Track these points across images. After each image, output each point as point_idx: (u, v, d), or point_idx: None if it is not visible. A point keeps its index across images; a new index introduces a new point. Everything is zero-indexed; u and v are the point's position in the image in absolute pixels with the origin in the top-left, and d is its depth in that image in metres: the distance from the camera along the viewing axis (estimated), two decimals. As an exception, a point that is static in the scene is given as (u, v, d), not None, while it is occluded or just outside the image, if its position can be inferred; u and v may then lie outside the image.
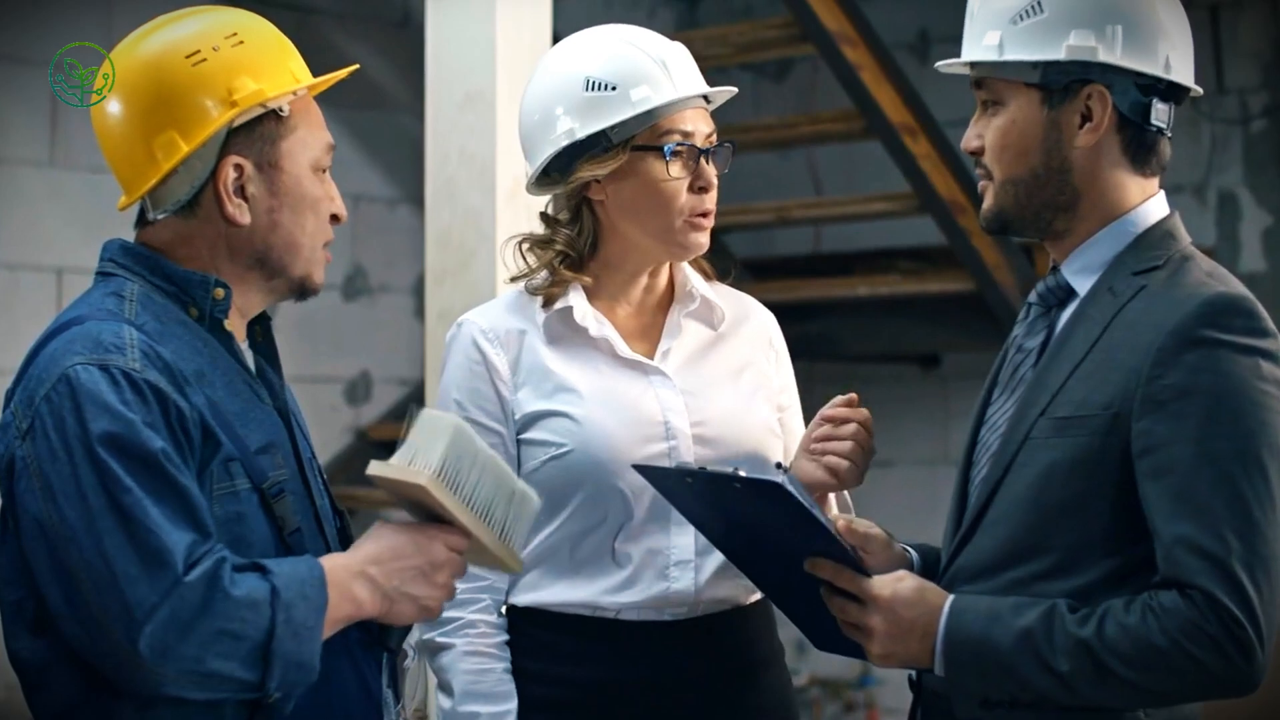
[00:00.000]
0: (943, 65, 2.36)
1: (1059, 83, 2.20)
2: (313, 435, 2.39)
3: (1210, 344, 2.07)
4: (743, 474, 2.14)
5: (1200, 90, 2.27)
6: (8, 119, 5.49)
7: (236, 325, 2.25)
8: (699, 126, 2.57)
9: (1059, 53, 2.18)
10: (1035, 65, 2.20)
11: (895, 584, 2.14)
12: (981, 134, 2.26)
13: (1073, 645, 2.05)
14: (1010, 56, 2.21)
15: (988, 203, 2.27)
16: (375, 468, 2.12)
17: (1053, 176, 2.21)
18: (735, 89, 2.66)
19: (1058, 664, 2.05)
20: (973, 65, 2.26)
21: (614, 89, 2.53)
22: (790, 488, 2.12)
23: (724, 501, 2.24)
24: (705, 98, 2.60)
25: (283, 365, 2.33)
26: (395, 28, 6.46)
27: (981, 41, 2.23)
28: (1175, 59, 2.22)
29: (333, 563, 2.12)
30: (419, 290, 6.28)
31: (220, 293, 2.20)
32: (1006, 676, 2.08)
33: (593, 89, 2.53)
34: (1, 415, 2.14)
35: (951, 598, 2.14)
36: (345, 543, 2.32)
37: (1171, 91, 2.23)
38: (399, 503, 2.20)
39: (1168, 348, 2.08)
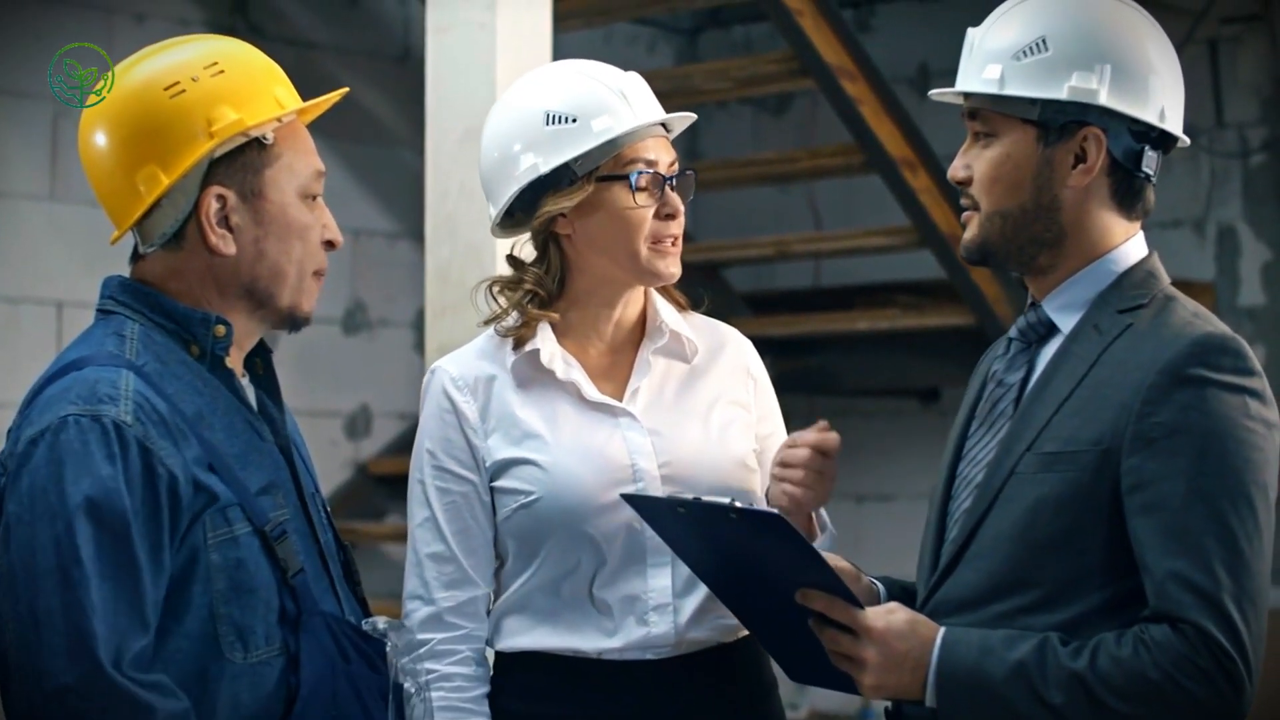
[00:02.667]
0: (936, 94, 2.37)
1: (1056, 122, 2.21)
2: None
3: (1200, 383, 2.08)
4: (738, 504, 2.14)
5: (1188, 140, 2.30)
6: (8, 153, 5.50)
7: (234, 359, 2.24)
8: (661, 155, 2.55)
9: (1060, 92, 2.19)
10: (1034, 102, 2.21)
11: (887, 616, 2.14)
12: (970, 164, 2.26)
13: (1066, 678, 2.06)
14: (1011, 91, 2.21)
15: (971, 233, 2.27)
16: None
17: (1041, 213, 2.23)
18: (694, 116, 2.65)
19: (1051, 696, 2.06)
20: (968, 96, 2.27)
21: (575, 121, 2.51)
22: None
23: (715, 532, 2.24)
24: (665, 126, 2.60)
25: (282, 399, 2.32)
26: (395, 63, 6.48)
27: (981, 74, 2.24)
28: (1169, 109, 2.24)
29: None
30: (419, 325, 6.28)
31: (221, 330, 2.19)
32: (999, 708, 2.09)
33: (553, 123, 2.52)
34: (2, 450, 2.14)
35: (943, 630, 2.14)
36: (350, 578, 2.31)
37: (1162, 140, 2.24)
38: None
39: (1158, 385, 2.09)
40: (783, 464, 2.47)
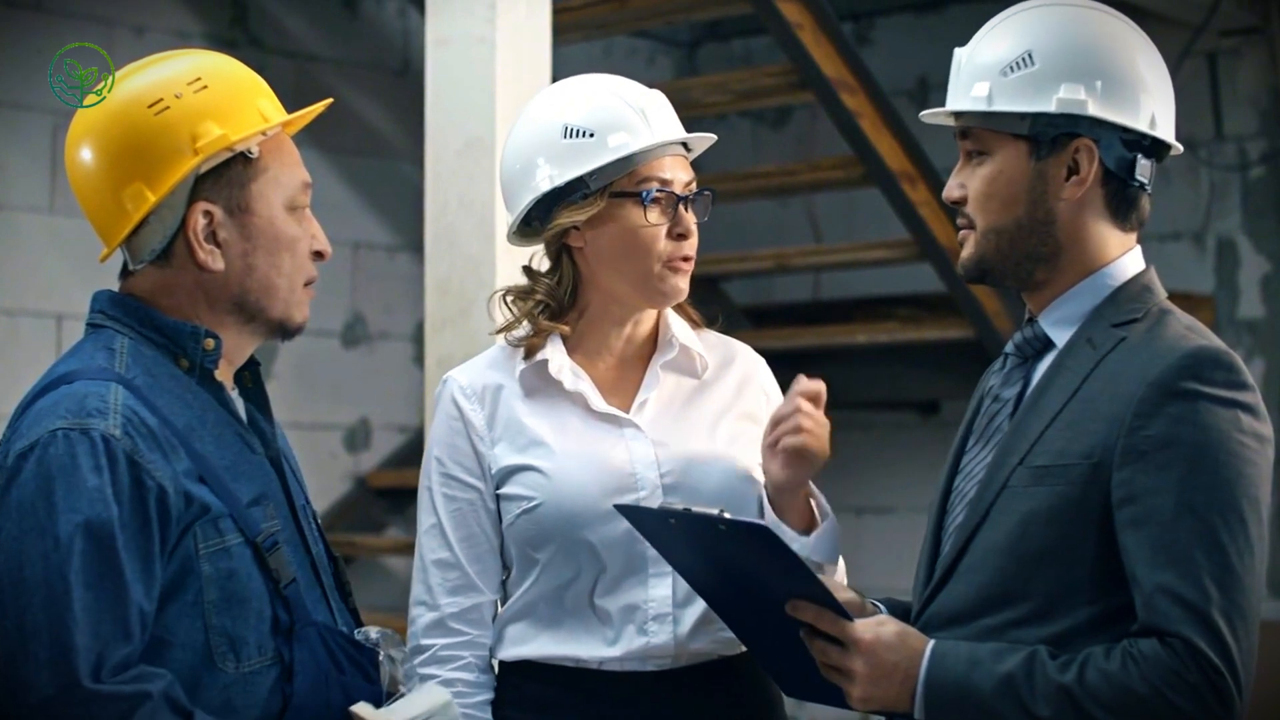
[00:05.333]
0: (927, 115, 2.38)
1: (1047, 135, 2.21)
2: (312, 482, 2.38)
3: (1191, 396, 2.08)
4: (727, 515, 2.15)
5: (1181, 148, 2.29)
6: (9, 165, 5.51)
7: (225, 373, 2.25)
8: (678, 174, 2.57)
9: (1049, 105, 2.20)
10: (1024, 117, 2.22)
11: (877, 627, 2.15)
12: (964, 183, 2.27)
13: (1054, 691, 2.06)
14: (1000, 107, 2.22)
15: (968, 251, 2.28)
16: (359, 708, 2.16)
17: (1036, 227, 2.23)
18: (714, 136, 2.67)
19: (1038, 709, 2.06)
20: (959, 115, 2.28)
21: (591, 136, 2.53)
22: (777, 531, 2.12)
23: (706, 543, 2.24)
24: (685, 146, 2.61)
25: (283, 412, 2.32)
26: (395, 75, 6.48)
27: (970, 92, 2.25)
28: (1160, 116, 2.25)
29: None
30: (418, 337, 6.28)
31: (210, 343, 2.20)
32: None
33: (571, 136, 2.54)
34: None
35: (932, 642, 2.14)
36: (340, 589, 2.32)
37: (1154, 148, 2.25)
38: None
39: (1149, 399, 2.09)
40: (775, 421, 2.47)
